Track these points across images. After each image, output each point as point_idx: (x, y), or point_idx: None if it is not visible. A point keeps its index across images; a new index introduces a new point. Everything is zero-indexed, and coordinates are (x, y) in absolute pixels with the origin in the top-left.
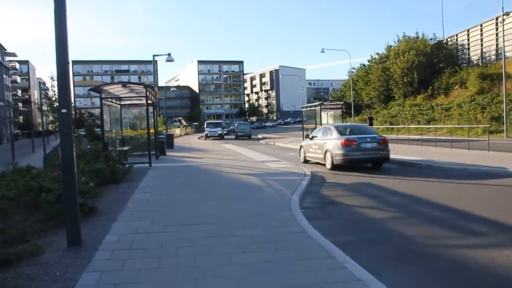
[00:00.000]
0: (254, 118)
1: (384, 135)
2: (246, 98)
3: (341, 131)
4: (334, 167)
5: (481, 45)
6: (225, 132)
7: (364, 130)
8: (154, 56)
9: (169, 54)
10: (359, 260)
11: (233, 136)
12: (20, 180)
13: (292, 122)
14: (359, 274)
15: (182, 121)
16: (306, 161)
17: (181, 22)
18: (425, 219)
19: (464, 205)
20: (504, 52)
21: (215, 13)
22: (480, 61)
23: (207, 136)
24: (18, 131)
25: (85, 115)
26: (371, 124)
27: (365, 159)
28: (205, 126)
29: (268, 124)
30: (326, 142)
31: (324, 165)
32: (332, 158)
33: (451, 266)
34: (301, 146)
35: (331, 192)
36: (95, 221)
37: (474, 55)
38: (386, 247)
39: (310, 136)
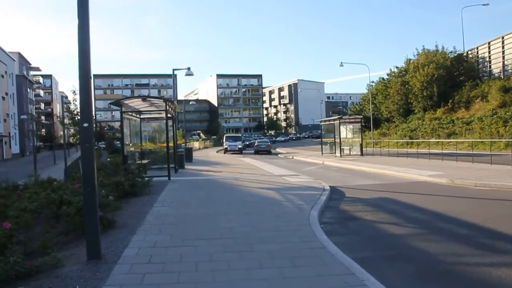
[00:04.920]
0: (272, 132)
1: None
2: (265, 112)
3: (258, 140)
4: (255, 153)
5: (503, 57)
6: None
7: (264, 140)
8: (174, 70)
9: (188, 68)
10: (380, 277)
11: (251, 150)
12: (41, 192)
13: (306, 136)
14: None
15: (201, 134)
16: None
17: (200, 36)
18: (447, 235)
19: (486, 222)
20: None
21: (234, 26)
22: (501, 74)
23: (226, 150)
24: (41, 143)
25: (105, 128)
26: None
27: (261, 150)
28: (224, 140)
29: (279, 139)
30: (256, 143)
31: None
32: (255, 148)
33: (475, 284)
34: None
35: (350, 207)
36: (115, 234)
37: (496, 68)
38: (407, 264)
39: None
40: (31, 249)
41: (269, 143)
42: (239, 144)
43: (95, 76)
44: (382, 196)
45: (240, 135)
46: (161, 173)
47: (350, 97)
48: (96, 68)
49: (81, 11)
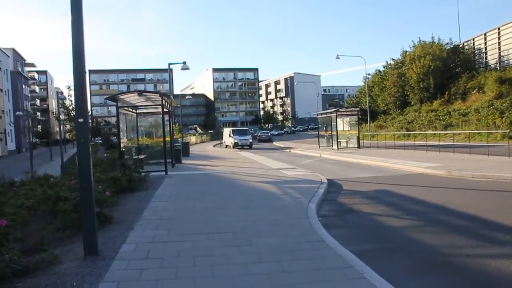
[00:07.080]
0: (269, 125)
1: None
2: (261, 106)
3: (260, 132)
4: (259, 142)
5: (499, 48)
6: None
7: (265, 132)
8: (169, 64)
9: (184, 63)
10: (379, 270)
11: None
12: (38, 189)
13: (301, 130)
14: (379, 284)
15: (198, 129)
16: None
17: (196, 30)
18: (445, 227)
19: (485, 213)
20: None
21: (230, 20)
22: (498, 65)
23: (236, 145)
24: (37, 140)
25: (102, 124)
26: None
27: (263, 139)
28: (231, 134)
29: (273, 132)
30: (259, 133)
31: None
32: (258, 138)
33: (474, 276)
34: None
35: (348, 200)
36: (112, 230)
37: (492, 59)
38: (407, 256)
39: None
40: (28, 246)
41: (269, 134)
42: (250, 138)
43: (91, 71)
44: (380, 188)
45: (247, 128)
46: (158, 168)
47: (346, 89)
48: (91, 63)
49: (74, 7)
